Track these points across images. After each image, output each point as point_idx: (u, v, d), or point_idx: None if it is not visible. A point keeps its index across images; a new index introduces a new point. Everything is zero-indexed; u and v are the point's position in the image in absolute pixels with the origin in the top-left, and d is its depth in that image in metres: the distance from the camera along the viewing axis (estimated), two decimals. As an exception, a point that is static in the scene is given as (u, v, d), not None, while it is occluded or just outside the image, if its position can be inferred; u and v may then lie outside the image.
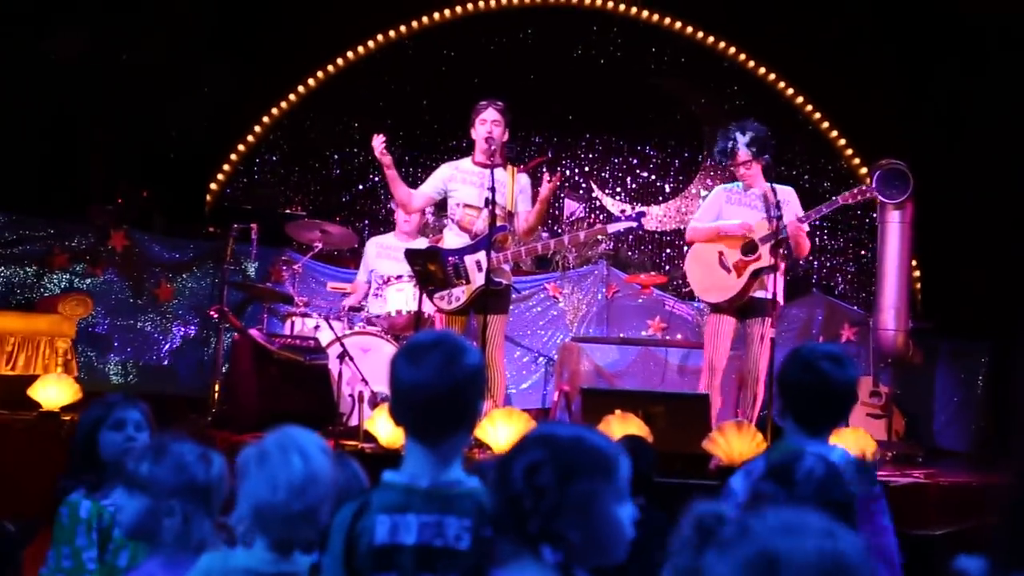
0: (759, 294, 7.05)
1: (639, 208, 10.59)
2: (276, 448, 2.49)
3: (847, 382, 3.20)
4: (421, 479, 2.36)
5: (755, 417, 6.89)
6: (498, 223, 6.81)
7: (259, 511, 2.47)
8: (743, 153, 7.15)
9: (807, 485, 2.32)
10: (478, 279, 6.82)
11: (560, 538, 2.03)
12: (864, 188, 7.30)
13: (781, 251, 6.90)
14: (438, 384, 2.33)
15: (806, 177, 11.33)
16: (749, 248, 7.00)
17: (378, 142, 6.96)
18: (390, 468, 2.41)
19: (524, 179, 7.20)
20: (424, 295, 7.08)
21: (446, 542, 2.30)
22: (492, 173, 6.74)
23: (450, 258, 6.92)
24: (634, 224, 7.02)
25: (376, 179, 11.07)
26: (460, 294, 6.90)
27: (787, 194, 7.23)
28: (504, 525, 2.08)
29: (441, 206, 7.53)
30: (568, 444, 2.08)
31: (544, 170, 7.30)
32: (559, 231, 9.87)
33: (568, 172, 11.47)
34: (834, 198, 7.27)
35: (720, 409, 7.19)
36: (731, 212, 7.23)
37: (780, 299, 7.10)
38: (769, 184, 7.12)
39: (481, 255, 6.80)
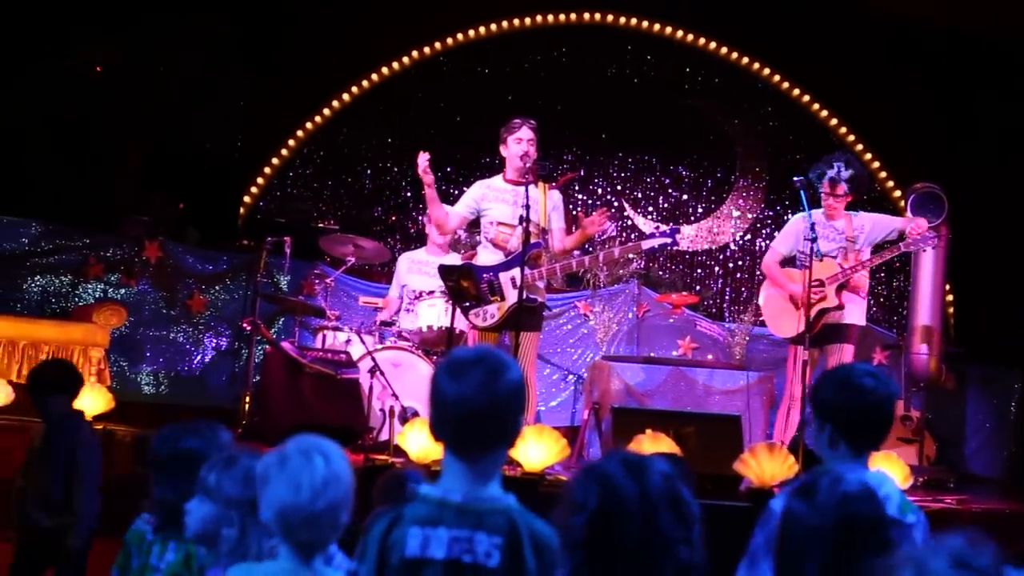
0: (842, 320, 7.11)
1: (672, 225, 10.57)
2: (297, 452, 2.50)
3: (888, 399, 3.17)
4: (455, 494, 2.36)
5: None
6: (532, 240, 6.83)
7: (283, 514, 2.47)
8: (842, 187, 7.20)
9: (829, 498, 2.29)
10: (512, 296, 6.81)
11: None
12: (930, 236, 7.27)
13: (844, 294, 7.07)
14: (480, 400, 2.33)
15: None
16: (817, 286, 7.04)
17: (423, 160, 6.99)
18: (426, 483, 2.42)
19: (556, 195, 7.20)
20: (459, 311, 7.08)
21: (475, 558, 2.30)
22: (527, 191, 6.74)
23: (485, 275, 6.91)
24: (668, 240, 7.00)
25: (409, 194, 11.11)
26: (495, 311, 6.90)
27: (864, 219, 7.36)
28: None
29: (474, 223, 7.54)
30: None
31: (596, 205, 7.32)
32: (591, 248, 9.87)
33: (600, 191, 11.48)
34: (898, 244, 7.27)
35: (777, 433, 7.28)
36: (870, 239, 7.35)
37: (861, 322, 7.29)
38: (850, 214, 7.28)
39: (516, 272, 6.79)
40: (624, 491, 2.01)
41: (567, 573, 2.05)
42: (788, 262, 7.48)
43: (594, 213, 7.02)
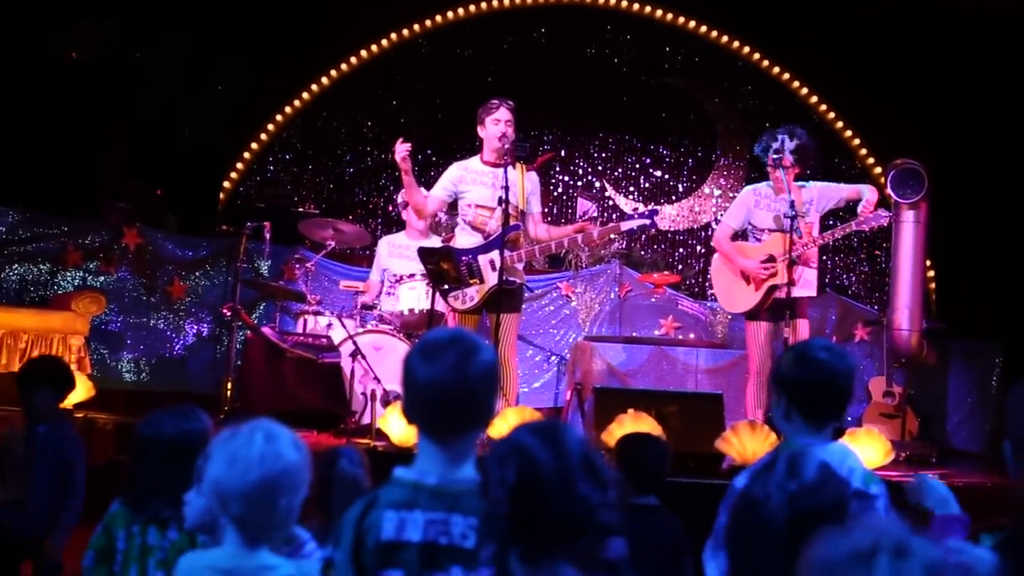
0: (793, 294, 7.07)
1: (652, 206, 10.56)
2: (243, 430, 2.50)
3: (846, 372, 3.16)
4: (429, 476, 2.35)
5: None
6: (511, 222, 6.82)
7: (217, 488, 2.47)
8: (787, 159, 7.15)
9: (787, 477, 2.27)
10: (492, 278, 6.83)
11: None
12: (882, 214, 7.25)
13: (796, 269, 7.00)
14: (453, 382, 2.33)
15: (819, 177, 11.28)
16: (767, 262, 7.03)
17: (401, 149, 6.97)
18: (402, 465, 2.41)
19: (534, 177, 7.20)
20: (438, 294, 7.08)
21: (451, 540, 2.29)
22: (506, 172, 6.73)
23: (463, 257, 6.92)
24: (647, 222, 6.99)
25: (386, 179, 11.08)
26: (474, 293, 6.92)
27: (812, 191, 7.30)
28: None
29: (452, 205, 7.54)
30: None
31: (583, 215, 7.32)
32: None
33: (580, 171, 11.46)
34: (850, 222, 7.25)
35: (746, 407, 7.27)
36: (758, 216, 7.28)
37: (813, 292, 7.27)
38: (799, 185, 7.20)
39: (494, 254, 6.80)
40: (541, 462, 2.01)
41: (494, 548, 2.05)
42: (741, 237, 7.49)
43: (581, 224, 7.08)
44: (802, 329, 7.12)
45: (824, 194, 7.35)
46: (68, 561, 4.65)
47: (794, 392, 3.14)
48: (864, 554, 1.48)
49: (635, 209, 10.13)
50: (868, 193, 7.27)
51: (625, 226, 7.10)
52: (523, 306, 7.33)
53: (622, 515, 2.12)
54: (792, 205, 6.87)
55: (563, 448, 2.03)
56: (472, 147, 10.85)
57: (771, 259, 7.05)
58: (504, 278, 6.73)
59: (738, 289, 7.29)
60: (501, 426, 6.32)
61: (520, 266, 7.07)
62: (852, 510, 2.22)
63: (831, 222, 8.09)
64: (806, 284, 7.18)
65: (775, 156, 7.16)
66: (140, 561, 3.16)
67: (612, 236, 9.46)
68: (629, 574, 2.27)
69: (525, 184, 7.04)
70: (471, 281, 6.90)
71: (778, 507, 2.16)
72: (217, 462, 2.48)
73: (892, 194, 8.64)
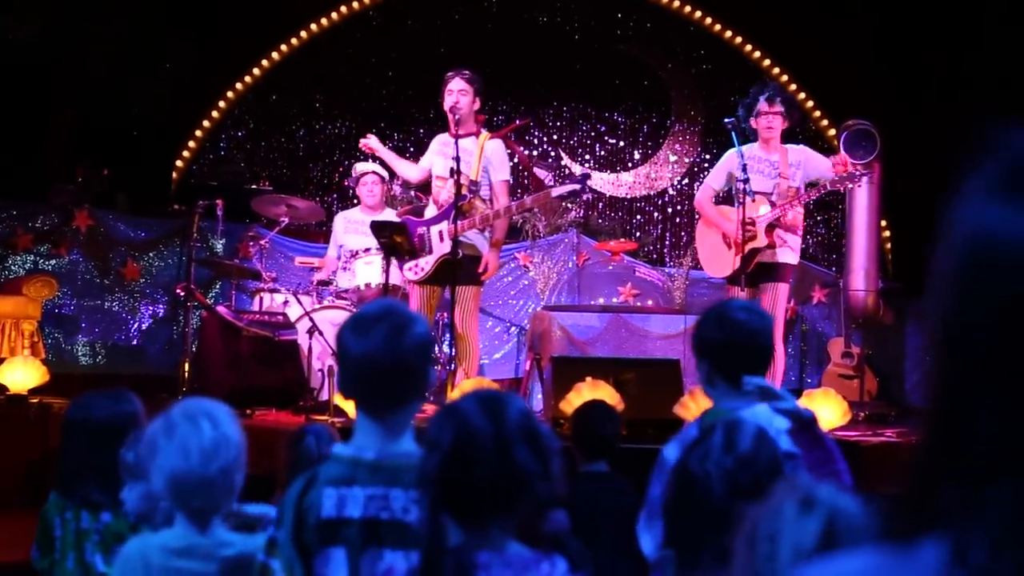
0: (775, 259, 7.05)
1: (584, 170, 10.58)
2: (182, 417, 2.47)
3: (764, 331, 3.12)
4: (367, 451, 2.33)
5: (780, 378, 6.97)
6: (463, 192, 6.82)
7: (175, 481, 2.45)
8: (777, 105, 7.11)
9: (726, 447, 2.25)
10: (440, 248, 6.89)
11: None
12: (859, 172, 7.20)
13: (776, 232, 6.96)
14: (385, 355, 2.30)
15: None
16: (748, 224, 7.00)
17: (370, 145, 7.26)
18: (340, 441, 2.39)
19: (493, 146, 7.15)
20: (397, 266, 7.11)
21: (393, 515, 2.28)
22: (456, 143, 6.76)
23: (419, 229, 6.94)
24: (578, 187, 6.99)
25: (340, 155, 11.02)
26: (425, 264, 6.96)
27: (800, 154, 7.24)
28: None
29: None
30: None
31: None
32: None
33: (536, 140, 11.43)
34: (826, 182, 7.19)
35: None
36: (753, 179, 7.18)
37: (794, 260, 7.20)
38: (787, 147, 7.17)
39: (444, 225, 6.82)
40: (478, 428, 1.99)
41: (424, 511, 2.04)
42: (726, 200, 7.45)
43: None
44: (781, 294, 7.08)
45: (810, 162, 7.21)
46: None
47: (716, 355, 3.10)
48: (775, 507, 1.50)
49: (569, 175, 10.13)
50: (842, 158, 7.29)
51: (556, 192, 7.08)
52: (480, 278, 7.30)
53: (565, 487, 2.10)
54: (777, 169, 6.86)
55: (501, 416, 2.02)
56: (428, 119, 10.91)
57: (751, 223, 6.98)
58: (452, 249, 6.76)
59: (722, 255, 7.25)
60: (456, 397, 6.32)
61: (476, 236, 7.04)
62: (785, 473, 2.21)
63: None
64: (787, 251, 7.12)
65: (768, 100, 7.13)
66: (76, 547, 3.12)
67: (567, 205, 9.51)
68: (572, 545, 2.25)
69: (484, 154, 7.02)
70: (422, 252, 6.94)
71: (716, 483, 2.15)
72: (168, 456, 2.44)
73: (846, 155, 8.65)
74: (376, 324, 2.32)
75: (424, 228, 6.97)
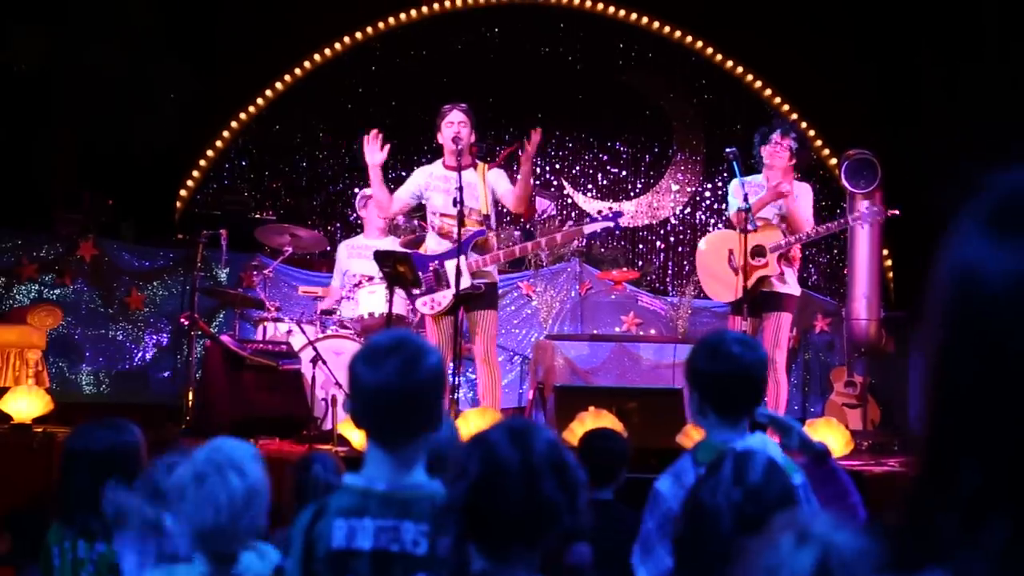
0: (779, 288, 7.08)
1: (616, 209, 10.57)
2: (211, 468, 2.45)
3: (758, 364, 3.09)
4: (379, 482, 2.34)
5: (784, 407, 7.00)
6: (476, 227, 6.88)
7: (203, 533, 2.44)
8: (787, 138, 7.20)
9: (739, 479, 2.26)
10: (465, 282, 6.87)
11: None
12: (841, 221, 7.27)
13: (787, 262, 7.04)
14: (398, 388, 2.30)
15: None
16: (757, 252, 7.00)
17: (374, 139, 7.03)
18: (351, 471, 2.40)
19: (495, 175, 7.16)
20: (408, 301, 7.12)
21: (403, 547, 2.28)
22: (460, 175, 6.76)
23: (430, 264, 6.94)
24: (611, 224, 7.02)
25: (344, 184, 11.06)
26: (442, 299, 6.92)
27: (803, 189, 7.31)
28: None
29: (416, 208, 7.58)
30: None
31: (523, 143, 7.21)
32: (532, 230, 9.84)
33: (538, 170, 11.46)
34: (844, 218, 7.24)
35: None
36: (797, 210, 7.24)
37: (797, 291, 7.24)
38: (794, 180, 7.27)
39: (461, 260, 6.83)
40: (505, 459, 1.98)
41: (450, 541, 2.04)
42: (731, 226, 7.48)
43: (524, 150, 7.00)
44: (784, 324, 7.10)
45: (810, 202, 7.34)
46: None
47: (708, 387, 3.06)
48: (773, 540, 1.51)
49: (600, 211, 10.14)
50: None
51: (588, 229, 7.13)
52: (497, 303, 7.33)
53: (590, 519, 2.10)
54: (746, 198, 6.88)
55: (529, 446, 2.01)
56: (432, 149, 10.92)
57: (760, 250, 7.00)
58: (472, 282, 6.82)
59: (724, 277, 7.26)
60: (463, 428, 6.33)
61: (492, 268, 7.08)
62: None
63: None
64: (789, 282, 7.17)
65: (782, 133, 7.20)
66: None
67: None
68: None
69: (487, 185, 7.03)
70: (438, 287, 6.93)
71: (725, 515, 2.15)
72: (198, 508, 2.43)
73: (847, 184, 8.70)
74: (388, 356, 2.32)
75: (437, 263, 6.96)
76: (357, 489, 2.35)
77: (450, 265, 6.89)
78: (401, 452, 2.35)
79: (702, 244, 7.62)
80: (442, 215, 7.06)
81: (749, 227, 6.76)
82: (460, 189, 6.69)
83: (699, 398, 3.07)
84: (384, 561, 2.28)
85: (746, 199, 6.78)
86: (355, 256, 8.44)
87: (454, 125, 7.01)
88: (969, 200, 1.02)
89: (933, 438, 1.00)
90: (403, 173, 10.93)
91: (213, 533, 2.43)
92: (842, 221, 7.35)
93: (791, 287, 7.18)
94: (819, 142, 11.51)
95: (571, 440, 5.85)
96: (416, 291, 7.03)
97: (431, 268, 6.94)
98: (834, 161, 10.99)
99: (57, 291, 9.11)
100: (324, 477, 3.38)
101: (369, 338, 2.54)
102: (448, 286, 6.88)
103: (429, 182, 7.15)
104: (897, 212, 7.44)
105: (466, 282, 6.85)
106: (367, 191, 8.62)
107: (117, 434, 3.18)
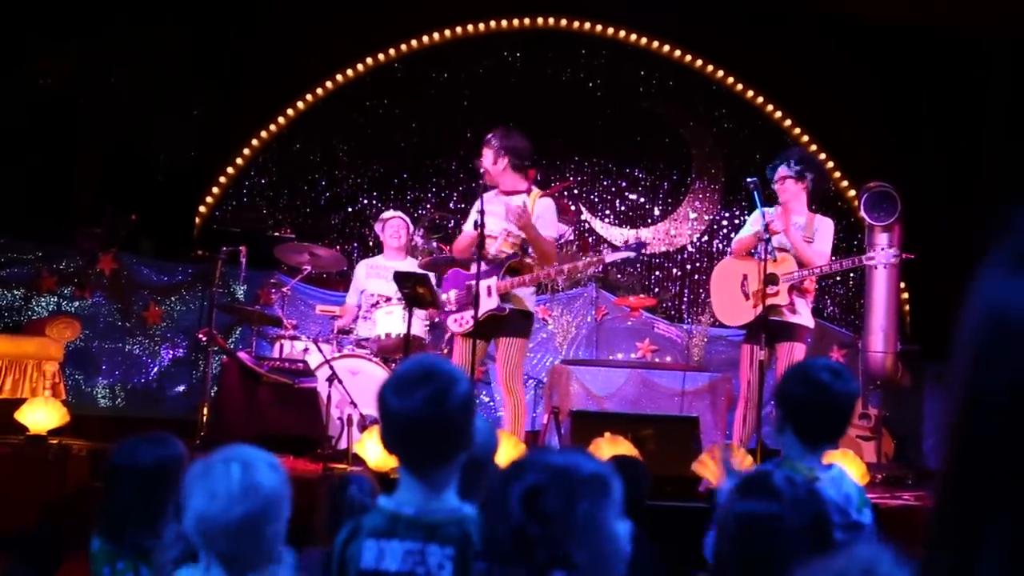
0: (790, 319, 7.09)
1: (637, 237, 10.58)
2: (219, 460, 2.46)
3: (847, 395, 3.15)
4: (408, 507, 2.35)
5: None
6: (510, 251, 6.99)
7: (199, 523, 2.43)
8: (783, 169, 7.23)
9: (795, 496, 2.28)
10: (486, 303, 6.87)
11: (568, 562, 1.98)
12: (855, 260, 7.26)
13: (799, 292, 7.05)
14: (429, 418, 2.31)
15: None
16: (770, 280, 7.00)
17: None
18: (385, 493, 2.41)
19: (543, 204, 7.12)
20: (441, 317, 7.18)
21: (428, 571, 2.29)
22: (482, 200, 6.85)
23: (467, 282, 6.99)
24: (632, 255, 7.03)
25: (362, 204, 11.10)
26: (470, 317, 6.94)
27: (822, 223, 7.33)
28: (507, 556, 2.03)
29: (435, 228, 7.63)
30: (565, 466, 2.02)
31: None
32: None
33: (556, 195, 11.47)
34: (860, 256, 7.23)
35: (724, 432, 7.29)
36: (798, 245, 7.24)
37: (811, 323, 7.25)
38: (813, 213, 7.26)
39: (493, 280, 6.89)
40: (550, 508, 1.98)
41: (485, 568, 2.03)
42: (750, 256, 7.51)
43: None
44: (797, 354, 7.08)
45: (830, 235, 7.36)
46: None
47: (791, 410, 3.13)
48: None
49: (626, 241, 10.14)
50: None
51: (610, 258, 7.15)
52: (528, 332, 7.28)
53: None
54: (803, 229, 6.92)
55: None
56: (448, 170, 11.03)
57: (773, 278, 7.02)
58: (497, 305, 6.85)
59: (736, 302, 7.31)
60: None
61: (524, 295, 7.05)
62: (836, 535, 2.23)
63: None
64: (802, 314, 7.19)
65: (793, 174, 7.23)
66: None
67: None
68: None
69: (534, 212, 7.03)
70: (468, 305, 6.95)
71: (797, 527, 2.17)
72: (197, 497, 2.43)
73: (866, 217, 8.70)
74: (418, 385, 2.32)
75: (473, 282, 7.00)
76: (388, 511, 2.37)
77: (483, 285, 6.94)
78: (431, 477, 2.37)
79: (720, 265, 7.67)
80: (488, 236, 7.09)
81: (769, 256, 6.79)
82: (482, 212, 6.72)
83: (782, 417, 3.15)
84: None
85: (766, 229, 6.80)
86: (373, 276, 8.48)
87: (484, 156, 7.08)
88: (996, 238, 1.02)
89: (958, 487, 1.00)
90: (421, 193, 11.07)
91: (210, 523, 2.41)
92: (855, 260, 7.34)
93: (803, 318, 7.19)
94: (838, 174, 11.52)
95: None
96: (449, 307, 7.09)
97: (466, 286, 6.99)
98: (853, 193, 11.00)
99: (76, 304, 9.14)
100: (360, 498, 3.38)
101: (398, 366, 2.55)
102: (477, 305, 6.93)
103: (487, 207, 7.16)
104: (913, 256, 7.43)
105: (493, 303, 6.87)
106: (385, 214, 8.69)
107: (163, 448, 3.17)
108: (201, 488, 2.44)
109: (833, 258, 7.40)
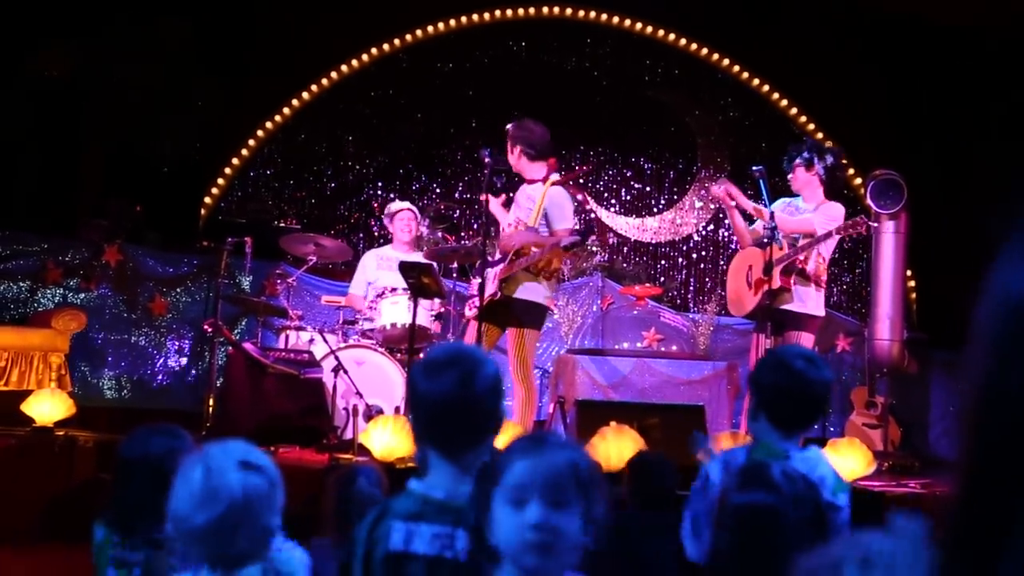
0: (797, 308, 7.08)
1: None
2: (192, 461, 2.43)
3: (821, 382, 3.15)
4: (437, 490, 2.37)
5: None
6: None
7: (173, 524, 2.41)
8: (798, 157, 7.35)
9: (788, 489, 2.28)
10: (491, 288, 7.04)
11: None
12: (859, 220, 7.18)
13: (792, 276, 6.99)
14: (458, 400, 2.35)
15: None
16: (767, 269, 6.99)
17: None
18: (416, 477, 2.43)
19: (554, 193, 7.12)
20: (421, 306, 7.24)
21: (456, 554, 2.30)
22: (488, 200, 7.14)
23: (488, 269, 7.12)
24: (577, 239, 6.99)
25: (368, 194, 11.10)
26: (479, 302, 7.02)
27: (827, 204, 7.34)
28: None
29: (440, 219, 7.72)
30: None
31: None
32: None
33: (572, 181, 11.47)
34: (829, 230, 7.17)
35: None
36: (781, 222, 7.22)
37: (819, 312, 7.21)
38: (825, 200, 7.30)
39: (499, 267, 7.05)
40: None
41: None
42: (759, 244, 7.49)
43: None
44: (804, 343, 7.04)
45: (838, 217, 7.33)
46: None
47: (765, 397, 3.15)
48: (835, 564, 1.51)
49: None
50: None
51: (564, 243, 7.13)
52: (540, 322, 7.24)
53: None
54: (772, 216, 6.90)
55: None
56: (452, 160, 11.03)
57: (770, 266, 7.00)
58: (498, 291, 6.95)
59: (741, 291, 7.35)
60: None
61: (536, 285, 7.01)
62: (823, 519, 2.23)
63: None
64: (810, 303, 7.16)
65: (802, 162, 7.26)
66: None
67: (593, 248, 9.58)
68: None
69: (545, 201, 7.06)
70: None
71: (799, 518, 2.17)
72: (172, 499, 2.41)
73: (872, 205, 8.67)
74: (447, 368, 2.37)
75: (492, 267, 7.16)
76: (417, 494, 2.39)
77: (491, 271, 7.06)
78: (461, 461, 2.38)
79: (737, 256, 7.68)
80: (509, 225, 7.28)
81: (775, 243, 6.80)
82: (487, 200, 6.81)
83: (755, 403, 3.16)
84: (438, 566, 2.31)
85: (772, 217, 6.80)
86: (383, 268, 8.47)
87: (511, 153, 7.23)
88: (1011, 227, 1.01)
89: (978, 483, 0.99)
90: (427, 184, 11.06)
91: (179, 524, 2.38)
92: (829, 233, 7.23)
93: (811, 307, 7.16)
94: (844, 161, 11.47)
95: (593, 455, 5.84)
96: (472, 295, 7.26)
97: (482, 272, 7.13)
98: (859, 181, 10.97)
99: (81, 295, 9.16)
100: (368, 490, 3.38)
101: (428, 351, 2.57)
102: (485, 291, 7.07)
103: (518, 196, 7.32)
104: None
105: (491, 288, 6.95)
106: (392, 206, 8.68)
107: (173, 439, 3.13)
108: (176, 489, 2.41)
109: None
